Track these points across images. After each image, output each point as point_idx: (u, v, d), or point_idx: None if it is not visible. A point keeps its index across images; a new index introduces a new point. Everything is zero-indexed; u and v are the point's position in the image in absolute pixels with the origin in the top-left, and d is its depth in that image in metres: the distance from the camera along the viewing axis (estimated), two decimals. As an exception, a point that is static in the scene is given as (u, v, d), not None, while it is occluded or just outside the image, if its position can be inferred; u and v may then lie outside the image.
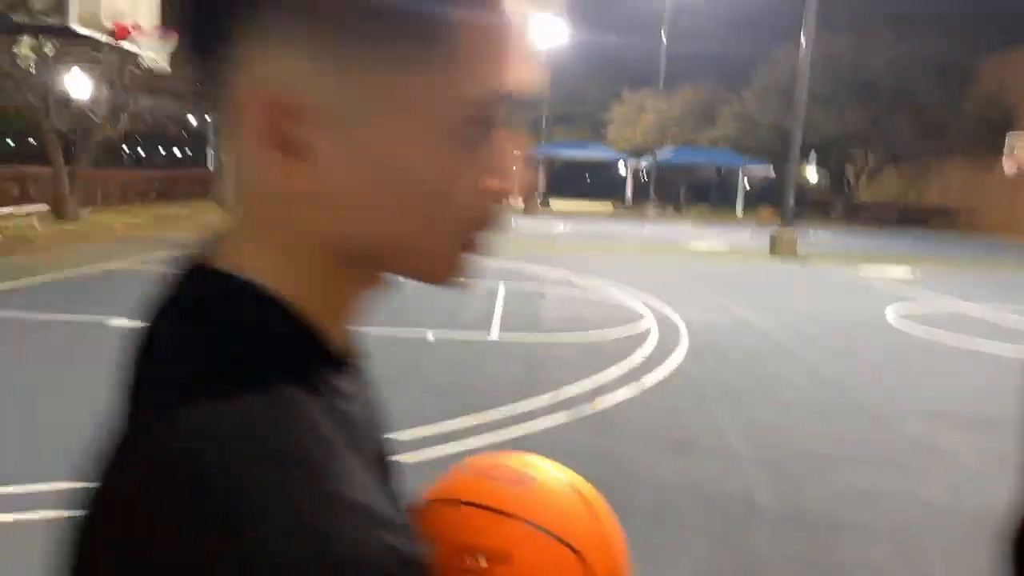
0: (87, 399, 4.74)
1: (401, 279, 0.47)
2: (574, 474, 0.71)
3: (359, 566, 0.35)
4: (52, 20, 12.17)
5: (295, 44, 0.38)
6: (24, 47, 18.95)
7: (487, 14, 0.40)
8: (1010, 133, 26.51)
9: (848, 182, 37.40)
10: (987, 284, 13.42)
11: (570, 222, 26.64)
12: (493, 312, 8.20)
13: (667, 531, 3.34)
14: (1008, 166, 25.64)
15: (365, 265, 0.45)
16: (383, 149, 0.40)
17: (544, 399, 5.04)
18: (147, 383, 0.41)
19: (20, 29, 13.27)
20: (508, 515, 0.62)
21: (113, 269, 10.22)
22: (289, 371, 0.41)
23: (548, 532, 0.63)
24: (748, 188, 38.47)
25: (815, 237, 21.50)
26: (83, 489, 0.39)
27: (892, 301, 10.60)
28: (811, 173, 34.58)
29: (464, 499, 0.64)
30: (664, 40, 34.03)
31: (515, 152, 0.44)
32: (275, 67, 0.39)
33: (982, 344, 7.85)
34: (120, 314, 7.07)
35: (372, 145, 0.40)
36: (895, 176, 36.14)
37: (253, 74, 0.39)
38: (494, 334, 7.21)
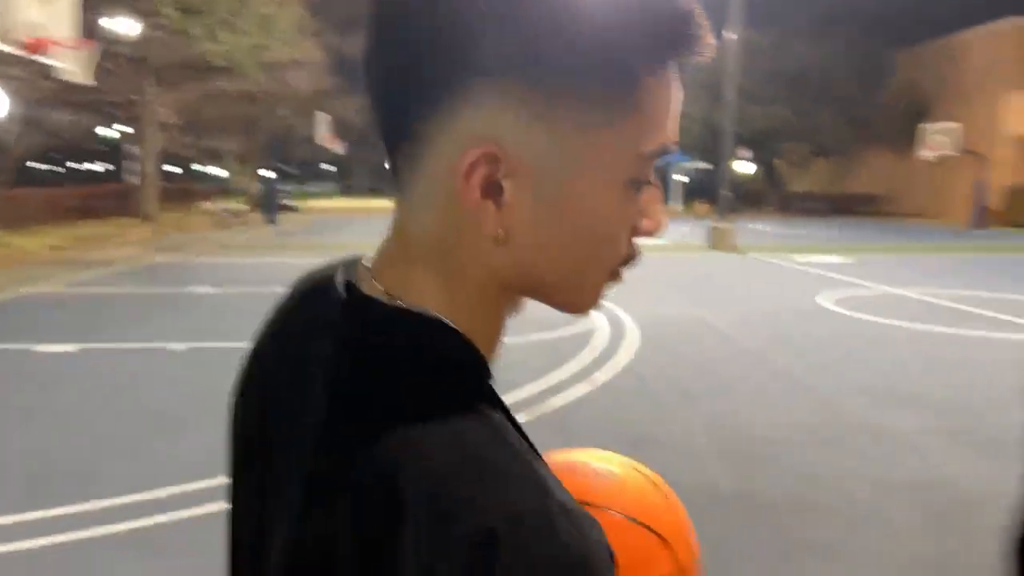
0: (15, 429, 4.46)
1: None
2: (644, 466, 0.76)
3: (601, 566, 0.40)
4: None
5: (515, 107, 0.43)
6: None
7: (668, 73, 0.46)
8: (921, 125, 27.83)
9: (779, 175, 38.59)
10: (914, 267, 14.00)
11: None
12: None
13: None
14: (924, 154, 26.89)
15: (520, 294, 0.50)
16: (572, 197, 0.45)
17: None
18: (356, 415, 0.44)
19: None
20: (601, 507, 0.66)
21: (35, 293, 9.71)
22: (481, 395, 0.45)
23: (638, 522, 0.67)
24: (687, 183, 39.30)
25: (752, 229, 22.07)
26: (294, 527, 0.44)
27: (827, 287, 10.94)
28: (745, 166, 35.52)
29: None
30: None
31: (659, 196, 0.49)
32: (494, 127, 0.43)
33: (913, 325, 8.16)
34: (46, 340, 6.71)
35: (563, 194, 0.45)
36: (824, 167, 37.46)
37: (474, 132, 0.43)
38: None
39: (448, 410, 0.43)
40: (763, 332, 7.75)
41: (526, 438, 0.46)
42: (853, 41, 32.40)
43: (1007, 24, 29.41)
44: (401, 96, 0.45)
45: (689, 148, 35.34)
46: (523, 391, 5.25)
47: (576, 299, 0.51)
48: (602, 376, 5.80)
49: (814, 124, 32.90)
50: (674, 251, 17.12)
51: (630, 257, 0.50)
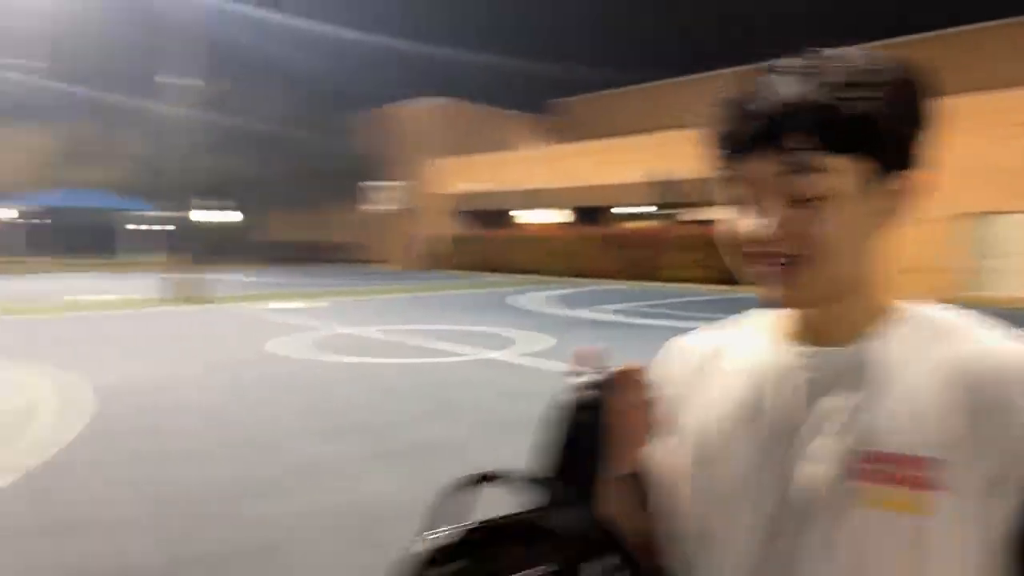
0: None
1: None
2: None
3: None
4: None
5: None
6: None
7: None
8: (362, 184, 32.22)
9: (255, 224, 39.19)
10: (367, 308, 15.83)
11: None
12: None
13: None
14: (367, 208, 31.10)
15: None
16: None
17: None
18: None
19: None
20: None
21: None
22: None
23: None
24: (152, 232, 36.68)
25: (224, 279, 21.81)
26: None
27: (284, 333, 11.57)
28: (222, 216, 35.02)
29: None
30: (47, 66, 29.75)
31: None
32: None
33: (356, 359, 9.27)
34: None
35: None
36: (301, 217, 39.40)
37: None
38: None
39: None
40: (213, 384, 7.82)
41: None
42: (315, 100, 35.34)
43: (429, 102, 35.91)
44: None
45: (149, 196, 33.25)
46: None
47: None
48: (42, 457, 5.11)
49: (278, 175, 34.58)
50: (128, 306, 15.84)
51: None
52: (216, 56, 20.54)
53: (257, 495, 4.59)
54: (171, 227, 36.96)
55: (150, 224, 35.98)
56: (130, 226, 34.76)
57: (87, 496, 4.55)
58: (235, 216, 37.13)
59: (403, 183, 35.15)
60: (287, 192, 35.64)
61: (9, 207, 33.47)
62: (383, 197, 34.74)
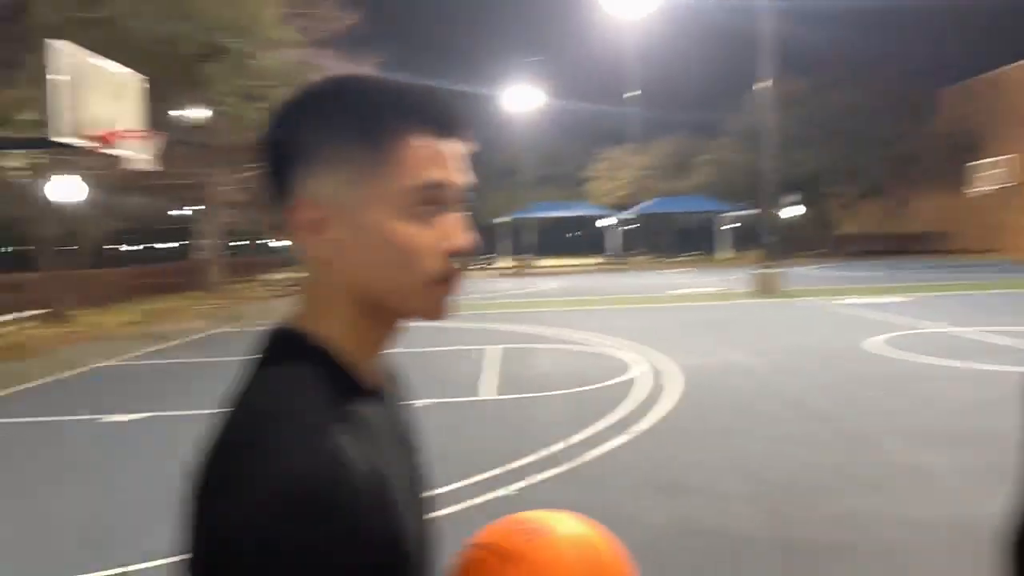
0: (88, 494, 4.83)
1: (410, 322, 0.71)
2: (600, 533, 0.76)
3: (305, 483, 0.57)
4: (37, 134, 12.55)
5: (323, 177, 0.66)
6: (13, 159, 19.45)
7: (402, 144, 0.66)
8: (969, 165, 27.40)
9: (828, 218, 38.10)
10: (966, 305, 13.64)
11: (558, 280, 26.95)
12: (482, 375, 8.32)
13: (657, 571, 3.42)
14: (977, 188, 26.35)
15: (381, 312, 0.69)
16: (368, 226, 0.66)
17: (535, 456, 5.14)
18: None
19: (6, 144, 13.73)
20: (513, 560, 0.71)
21: (107, 366, 10.34)
22: (318, 391, 0.63)
23: None
24: (737, 229, 39.03)
25: (800, 273, 21.80)
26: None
27: (874, 329, 10.77)
28: (793, 211, 35.21)
29: (482, 542, 0.75)
30: (637, 95, 35.01)
31: (463, 222, 0.68)
32: (314, 188, 0.66)
33: (962, 363, 8.00)
34: (113, 411, 7.17)
35: (362, 224, 0.66)
36: (874, 208, 36.84)
37: (303, 193, 0.67)
38: (484, 396, 7.32)
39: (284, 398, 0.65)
40: (805, 376, 7.72)
41: (371, 433, 0.64)
42: (891, 81, 32.29)
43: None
44: (276, 180, 0.70)
45: (735, 196, 35.29)
46: (561, 444, 5.40)
47: (416, 307, 0.68)
48: (640, 426, 5.90)
49: (859, 165, 32.60)
50: (718, 299, 17.06)
51: (448, 272, 0.67)
52: (789, 55, 20.53)
53: (860, 491, 4.37)
54: (751, 224, 38.82)
55: (736, 223, 38.30)
56: (724, 226, 37.55)
57: (687, 461, 5.01)
58: (800, 210, 36.56)
59: (1015, 156, 29.15)
60: (866, 181, 33.46)
61: (616, 217, 39.88)
62: (985, 177, 29.44)
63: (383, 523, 0.59)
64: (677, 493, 4.41)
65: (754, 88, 18.30)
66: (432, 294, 0.68)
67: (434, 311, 0.69)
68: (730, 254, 36.11)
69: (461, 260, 0.67)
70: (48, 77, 8.69)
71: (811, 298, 15.97)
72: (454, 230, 0.67)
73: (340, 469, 0.57)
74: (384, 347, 0.72)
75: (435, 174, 0.66)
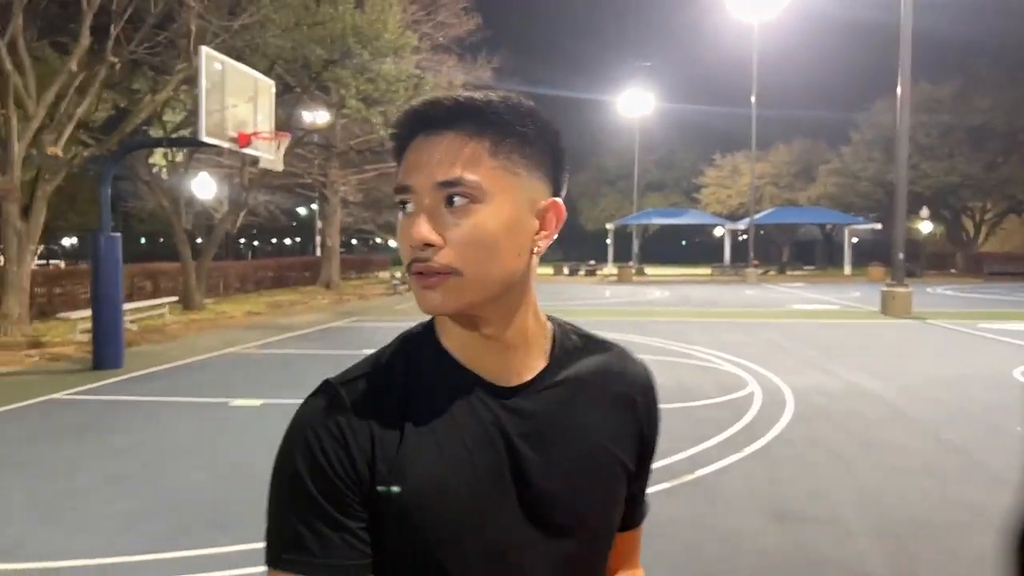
0: (216, 472, 5.12)
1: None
2: None
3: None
4: (185, 133, 13.52)
5: None
6: (158, 156, 21.09)
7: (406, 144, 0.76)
8: None
9: (967, 233, 35.35)
10: None
11: (666, 288, 26.38)
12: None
13: (771, 602, 3.23)
14: None
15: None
16: None
17: (641, 468, 5.00)
18: None
19: (158, 143, 14.86)
20: None
21: (233, 352, 10.98)
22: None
23: None
24: (860, 244, 36.97)
25: (933, 294, 20.32)
26: None
27: (1003, 353, 9.86)
28: (924, 226, 32.87)
29: None
30: (754, 101, 33.72)
31: (415, 216, 0.73)
32: None
33: None
34: (240, 395, 7.59)
35: None
36: (1020, 224, 33.93)
37: None
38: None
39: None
40: (939, 405, 7.15)
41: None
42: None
43: None
44: None
45: (860, 209, 33.41)
46: (669, 459, 5.23)
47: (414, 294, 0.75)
48: (753, 446, 5.64)
49: (1003, 177, 30.00)
50: (841, 316, 16.17)
51: (411, 262, 0.73)
52: (931, 52, 19.15)
53: (991, 531, 3.96)
54: (875, 239, 36.57)
55: (858, 237, 36.26)
56: (847, 240, 35.57)
57: (804, 487, 4.72)
58: (932, 226, 34.03)
59: None
60: (1014, 193, 30.76)
61: (729, 226, 38.57)
62: None
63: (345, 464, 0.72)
64: (792, 520, 4.16)
65: (896, 91, 17.17)
66: (412, 283, 0.74)
67: (416, 299, 0.74)
68: (852, 270, 34.19)
69: (422, 252, 0.71)
70: (200, 81, 9.32)
71: (946, 321, 14.83)
72: (406, 224, 0.73)
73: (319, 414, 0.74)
74: (486, 345, 0.78)
75: (400, 178, 0.74)
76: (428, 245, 0.71)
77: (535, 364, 0.80)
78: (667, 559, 3.61)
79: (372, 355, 0.81)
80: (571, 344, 0.85)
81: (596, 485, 0.82)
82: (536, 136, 0.75)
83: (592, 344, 0.87)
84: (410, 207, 0.73)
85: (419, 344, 0.80)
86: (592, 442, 0.81)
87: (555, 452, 0.79)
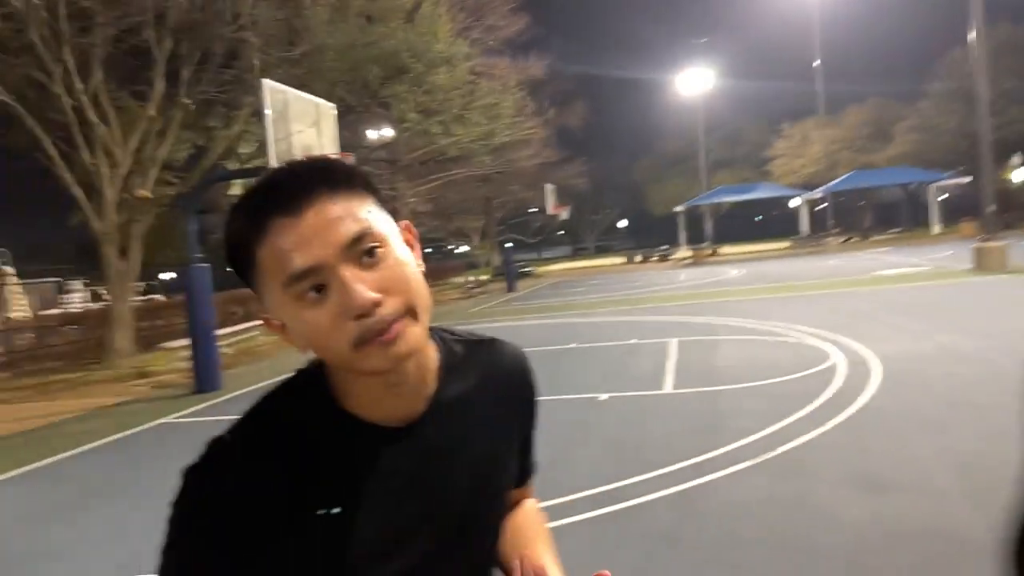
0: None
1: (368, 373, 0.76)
2: None
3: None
4: (258, 163, 14.16)
5: (259, 294, 0.77)
6: (237, 187, 22.12)
7: (256, 256, 0.73)
8: None
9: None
10: None
11: (743, 266, 25.79)
12: (665, 367, 8.21)
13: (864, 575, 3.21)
14: None
15: (345, 370, 0.77)
16: (291, 323, 0.74)
17: (726, 448, 5.00)
18: None
19: (233, 175, 15.65)
20: None
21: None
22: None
23: None
24: (947, 201, 35.11)
25: (1030, 244, 19.14)
26: None
27: None
28: (1017, 174, 30.90)
29: None
30: (820, 65, 32.52)
31: (347, 283, 0.70)
32: (264, 303, 0.77)
33: None
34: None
35: (289, 322, 0.74)
36: None
37: (262, 309, 0.78)
38: (668, 388, 7.23)
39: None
40: (1038, 361, 6.81)
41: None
42: None
43: None
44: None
45: (944, 164, 31.75)
46: (752, 436, 5.21)
47: (361, 368, 0.73)
48: (840, 418, 5.54)
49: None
50: (930, 278, 15.48)
51: (365, 333, 0.70)
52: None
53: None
54: (963, 194, 34.62)
55: (945, 194, 34.46)
56: (932, 198, 33.84)
57: (893, 456, 4.62)
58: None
59: None
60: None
61: (805, 196, 37.28)
62: None
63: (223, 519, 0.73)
64: (882, 490, 4.09)
65: (968, 39, 16.33)
66: (366, 356, 0.70)
67: (377, 367, 0.72)
68: (940, 228, 32.52)
69: (372, 315, 0.69)
70: (265, 112, 9.79)
71: (1045, 272, 14.00)
72: (341, 298, 0.69)
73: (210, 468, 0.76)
74: (384, 394, 0.78)
75: (290, 265, 0.69)
76: (375, 305, 0.69)
77: (427, 391, 0.82)
78: (758, 538, 3.63)
79: (255, 407, 0.84)
80: (455, 359, 0.87)
81: (492, 490, 0.88)
82: (356, 176, 0.75)
83: (472, 349, 0.91)
84: (324, 291, 0.70)
85: (305, 397, 0.81)
86: (484, 451, 0.86)
87: (455, 471, 0.82)
